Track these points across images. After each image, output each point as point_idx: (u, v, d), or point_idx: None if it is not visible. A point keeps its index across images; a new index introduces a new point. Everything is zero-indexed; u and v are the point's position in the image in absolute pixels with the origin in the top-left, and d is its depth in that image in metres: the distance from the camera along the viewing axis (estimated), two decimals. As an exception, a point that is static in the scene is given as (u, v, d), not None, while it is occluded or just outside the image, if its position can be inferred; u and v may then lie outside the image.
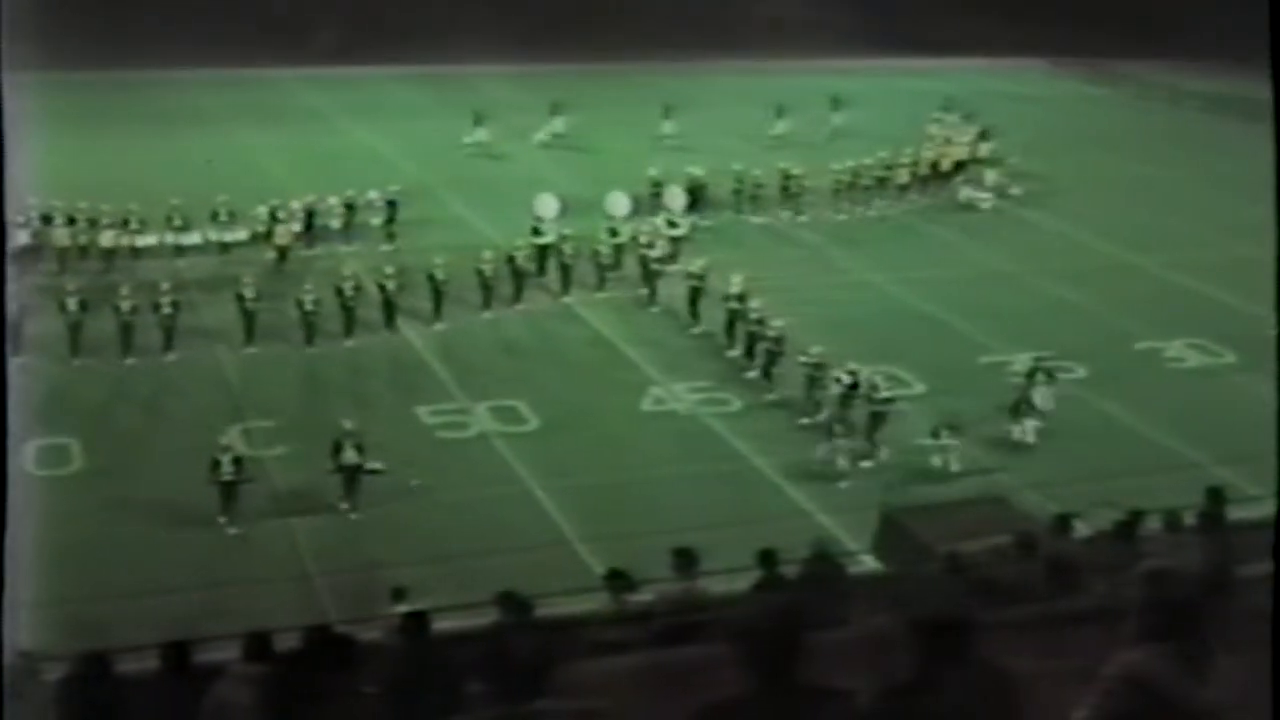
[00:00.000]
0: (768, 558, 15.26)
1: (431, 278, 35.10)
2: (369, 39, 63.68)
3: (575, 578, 19.09)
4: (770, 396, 30.55)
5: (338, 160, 48.08)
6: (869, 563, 20.97)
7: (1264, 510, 13.78)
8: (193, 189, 40.48)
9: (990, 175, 48.39)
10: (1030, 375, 29.44)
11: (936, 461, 27.27)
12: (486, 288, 35.80)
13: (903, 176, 46.61)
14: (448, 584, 18.95)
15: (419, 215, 42.41)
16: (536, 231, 38.13)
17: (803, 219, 44.45)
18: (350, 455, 25.09)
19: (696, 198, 43.49)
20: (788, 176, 44.87)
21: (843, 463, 27.05)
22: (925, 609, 7.24)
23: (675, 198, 41.70)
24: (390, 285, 34.61)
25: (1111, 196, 48.30)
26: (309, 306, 33.55)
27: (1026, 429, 28.45)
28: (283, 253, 38.85)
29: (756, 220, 44.11)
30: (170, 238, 39.06)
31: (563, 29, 65.13)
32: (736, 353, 32.57)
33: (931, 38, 69.09)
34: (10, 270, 34.13)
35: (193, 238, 39.30)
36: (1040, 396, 29.04)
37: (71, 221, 37.97)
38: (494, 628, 11.86)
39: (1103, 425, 29.80)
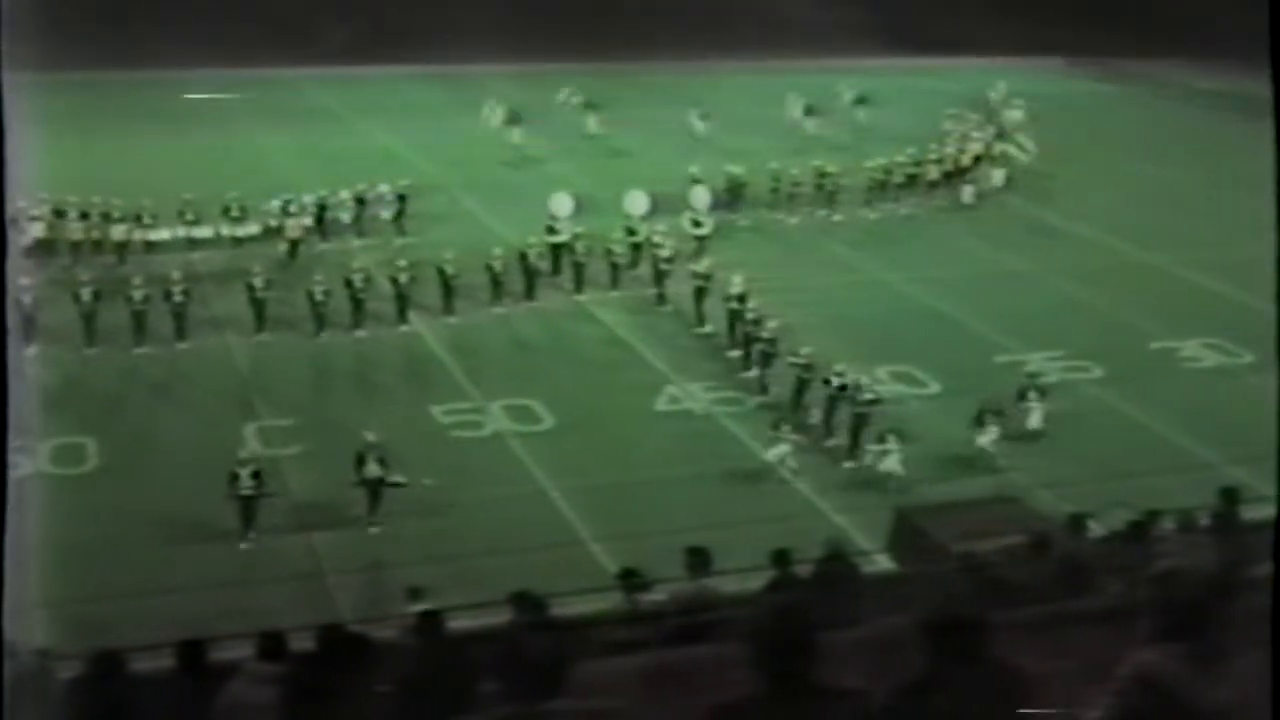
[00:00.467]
0: (781, 557, 15.26)
1: (442, 272, 35.30)
2: (381, 38, 63.79)
3: (589, 577, 19.08)
4: (762, 398, 30.38)
5: (350, 158, 48.22)
6: (883, 562, 20.93)
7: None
8: (205, 186, 40.83)
9: (998, 175, 48.37)
10: (1022, 395, 28.63)
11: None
12: (497, 283, 35.92)
13: (933, 173, 46.84)
14: (461, 584, 18.92)
15: (431, 211, 42.62)
16: (551, 230, 38.19)
17: (837, 218, 44.59)
18: (373, 469, 24.63)
19: (736, 196, 43.94)
20: (823, 175, 45.08)
21: (792, 463, 26.86)
22: (938, 609, 7.24)
23: (700, 196, 41.72)
24: (402, 278, 34.81)
25: (1127, 195, 48.23)
26: (319, 296, 33.91)
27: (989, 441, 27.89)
28: (294, 246, 39.05)
29: (793, 220, 44.21)
30: (182, 232, 39.46)
31: (575, 28, 65.14)
32: (737, 353, 32.45)
33: (945, 37, 69.01)
34: (24, 264, 34.80)
35: (205, 232, 39.66)
36: (1033, 418, 28.42)
37: (84, 216, 38.39)
38: (508, 627, 11.88)
39: (1118, 425, 29.73)
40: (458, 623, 12.19)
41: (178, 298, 33.32)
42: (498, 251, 36.37)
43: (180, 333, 33.23)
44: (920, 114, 54.33)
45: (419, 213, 42.16)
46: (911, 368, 31.82)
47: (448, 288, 35.35)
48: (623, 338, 34.58)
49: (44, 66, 52.20)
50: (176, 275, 34.12)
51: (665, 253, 36.99)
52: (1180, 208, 46.78)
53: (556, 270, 37.76)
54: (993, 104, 56.89)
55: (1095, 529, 16.92)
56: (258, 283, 34.19)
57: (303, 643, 10.60)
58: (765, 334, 31.10)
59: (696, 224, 40.02)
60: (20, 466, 26.50)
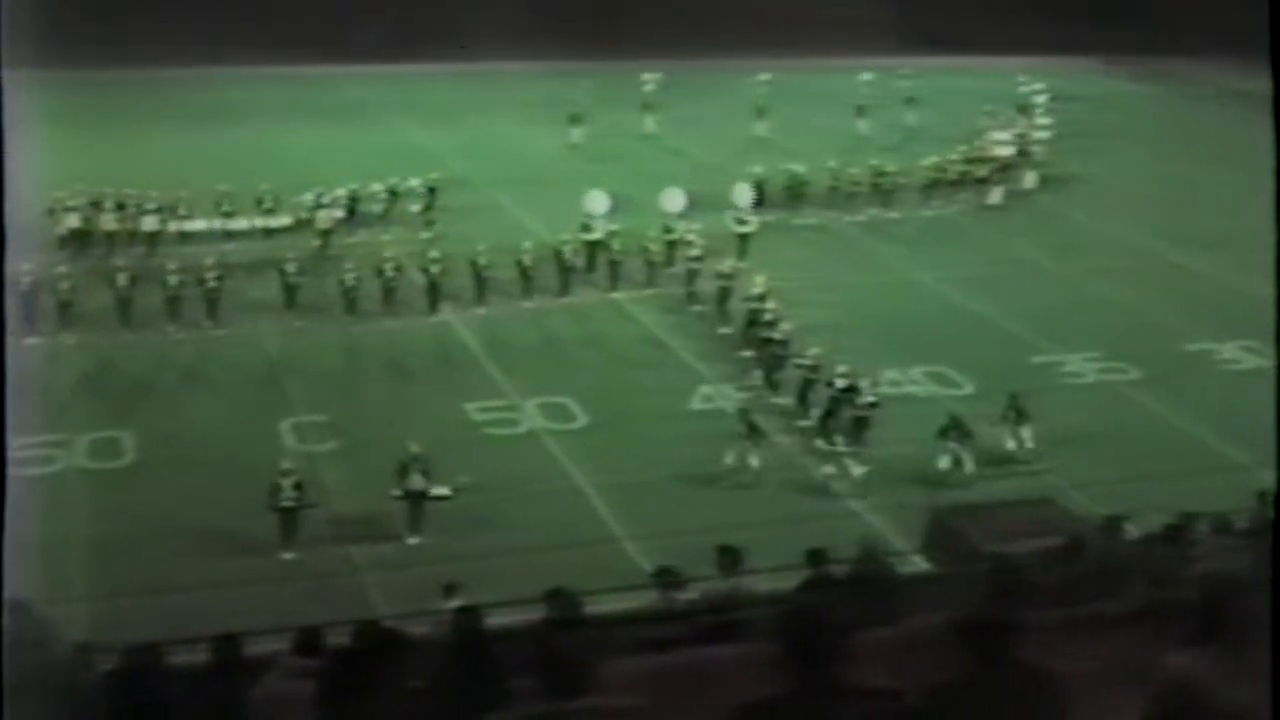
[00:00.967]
0: (815, 557, 15.24)
1: (474, 264, 35.70)
2: (416, 36, 63.88)
3: (623, 575, 19.11)
4: (774, 400, 30.34)
5: (382, 154, 48.39)
6: (917, 563, 20.90)
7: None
8: (240, 180, 41.40)
9: (1031, 177, 48.23)
10: (1004, 417, 27.80)
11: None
12: (527, 278, 36.14)
13: (982, 171, 46.94)
14: (497, 580, 18.97)
15: (462, 205, 42.84)
16: (586, 228, 38.27)
17: (893, 215, 44.74)
18: (416, 480, 24.17)
19: (796, 195, 44.24)
20: (880, 174, 45.19)
21: (755, 463, 26.65)
22: (971, 610, 7.25)
23: (743, 194, 41.75)
24: (433, 269, 35.22)
25: (1164, 196, 47.98)
26: (350, 283, 34.54)
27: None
28: (325, 237, 39.47)
29: (853, 218, 44.31)
30: (217, 224, 40.16)
31: (616, 27, 65.16)
32: (750, 353, 32.26)
33: (982, 37, 68.80)
34: (61, 253, 35.69)
35: (238, 223, 40.34)
36: (1012, 440, 27.60)
37: (121, 207, 39.15)
38: (542, 624, 11.92)
39: (1154, 426, 29.61)
40: (492, 619, 12.22)
41: (211, 284, 34.18)
42: (527, 245, 36.61)
43: (213, 317, 34.07)
44: (957, 113, 54.15)
45: (450, 206, 42.57)
46: (945, 368, 31.76)
47: (479, 279, 35.68)
48: (657, 336, 34.61)
49: (84, 65, 52.82)
50: (210, 262, 34.99)
51: (695, 251, 37.02)
52: (1218, 209, 46.48)
53: (591, 268, 37.85)
54: (1025, 103, 56.68)
55: (1131, 531, 16.85)
56: (290, 268, 35.14)
57: (338, 638, 10.67)
58: (777, 335, 31.04)
59: (740, 221, 40.01)
60: (56, 461, 26.79)
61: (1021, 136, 51.15)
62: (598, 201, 39.99)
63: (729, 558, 15.13)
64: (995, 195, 46.51)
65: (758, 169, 44.25)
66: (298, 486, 23.87)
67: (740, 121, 54.27)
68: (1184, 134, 59.34)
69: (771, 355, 31.02)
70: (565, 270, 36.90)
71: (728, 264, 36.10)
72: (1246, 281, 38.56)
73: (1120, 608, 10.41)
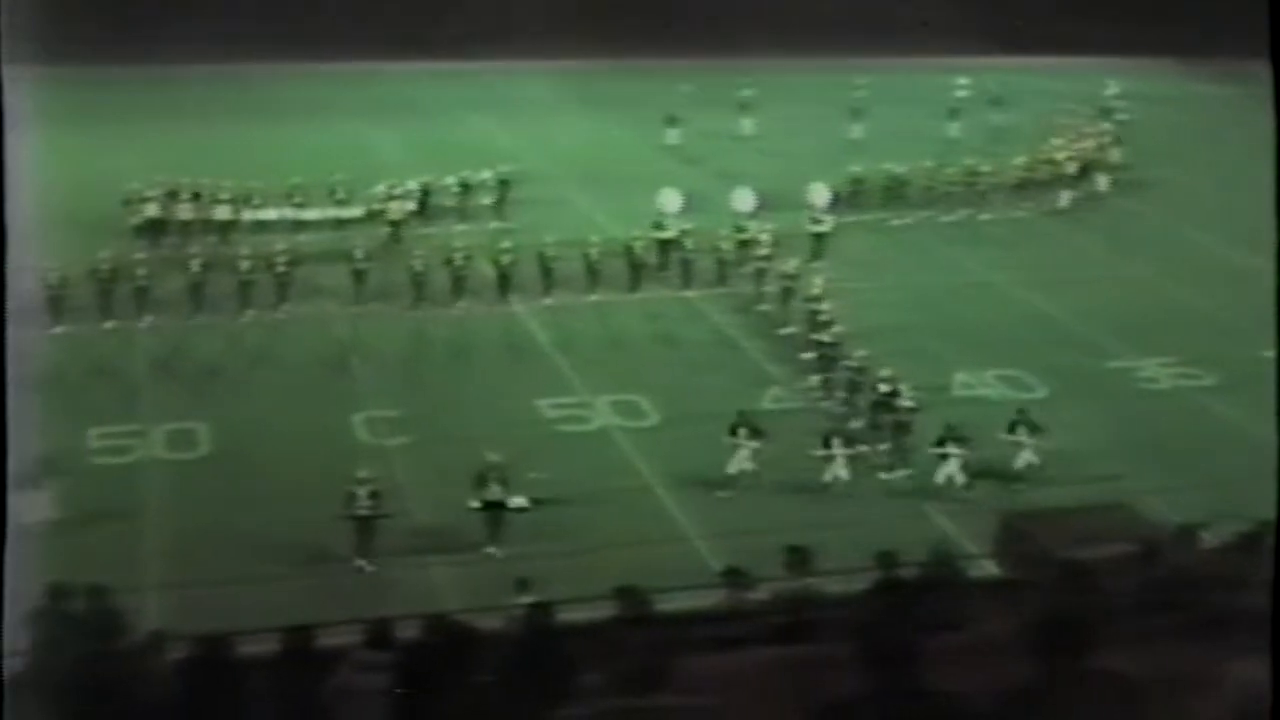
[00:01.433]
0: (886, 559, 15.20)
1: (542, 256, 36.13)
2: (492, 34, 63.97)
3: (693, 574, 19.12)
4: (823, 403, 30.14)
5: (456, 149, 48.60)
6: (988, 567, 20.78)
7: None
8: (314, 173, 41.91)
9: (1103, 180, 47.79)
10: (1011, 429, 26.99)
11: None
12: (593, 272, 36.48)
13: (1071, 169, 46.65)
14: (568, 577, 19.02)
15: (535, 199, 43.04)
16: (658, 225, 38.34)
17: (986, 216, 44.52)
18: (495, 490, 23.70)
19: (894, 195, 44.21)
20: (973, 174, 45.07)
21: (749, 466, 26.44)
22: (1044, 615, 7.23)
23: (819, 194, 41.64)
24: (503, 260, 35.76)
25: (1240, 199, 47.32)
26: (418, 268, 35.30)
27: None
28: (396, 228, 39.87)
29: (948, 219, 44.13)
30: (290, 213, 40.67)
31: (690, 25, 65.00)
32: (810, 355, 31.94)
33: (1060, 37, 68.23)
34: (139, 242, 36.54)
35: (311, 214, 40.78)
36: (1021, 456, 26.82)
37: (196, 197, 39.90)
38: (612, 621, 11.95)
39: (1229, 433, 29.28)
40: (563, 616, 12.27)
41: (280, 269, 35.03)
42: (594, 239, 36.98)
43: (283, 300, 34.96)
44: (1036, 114, 53.82)
45: (523, 199, 42.85)
46: (1019, 371, 31.56)
47: (547, 271, 36.02)
48: (728, 334, 34.60)
49: (166, 60, 53.33)
50: (281, 247, 35.92)
51: (763, 251, 36.99)
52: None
53: (664, 266, 37.90)
54: (1106, 105, 56.19)
55: (1206, 539, 16.70)
56: (359, 254, 35.96)
57: (409, 632, 10.74)
58: (827, 338, 30.99)
59: (815, 221, 39.94)
60: (134, 450, 27.16)
61: (1100, 138, 50.67)
62: (670, 199, 40.06)
63: (797, 557, 15.13)
64: (1064, 199, 46.09)
65: (855, 169, 44.20)
66: (374, 495, 23.36)
67: (834, 124, 53.91)
68: (1263, 137, 58.56)
69: (824, 357, 30.97)
70: (636, 267, 37.04)
71: (791, 264, 36.03)
72: (1325, 287, 38.06)
73: (1193, 615, 10.33)
